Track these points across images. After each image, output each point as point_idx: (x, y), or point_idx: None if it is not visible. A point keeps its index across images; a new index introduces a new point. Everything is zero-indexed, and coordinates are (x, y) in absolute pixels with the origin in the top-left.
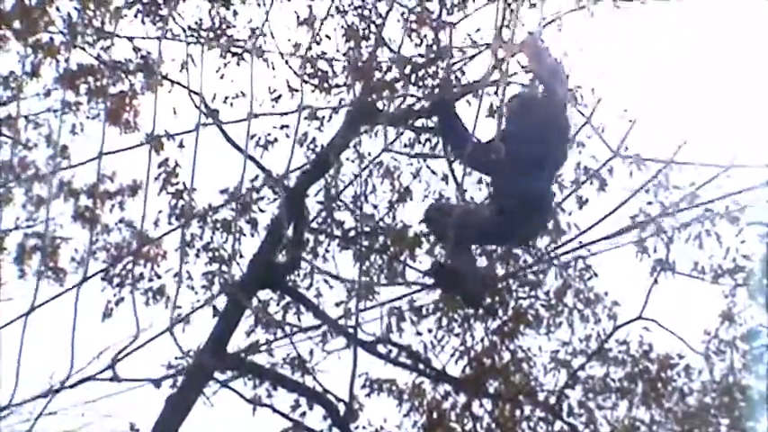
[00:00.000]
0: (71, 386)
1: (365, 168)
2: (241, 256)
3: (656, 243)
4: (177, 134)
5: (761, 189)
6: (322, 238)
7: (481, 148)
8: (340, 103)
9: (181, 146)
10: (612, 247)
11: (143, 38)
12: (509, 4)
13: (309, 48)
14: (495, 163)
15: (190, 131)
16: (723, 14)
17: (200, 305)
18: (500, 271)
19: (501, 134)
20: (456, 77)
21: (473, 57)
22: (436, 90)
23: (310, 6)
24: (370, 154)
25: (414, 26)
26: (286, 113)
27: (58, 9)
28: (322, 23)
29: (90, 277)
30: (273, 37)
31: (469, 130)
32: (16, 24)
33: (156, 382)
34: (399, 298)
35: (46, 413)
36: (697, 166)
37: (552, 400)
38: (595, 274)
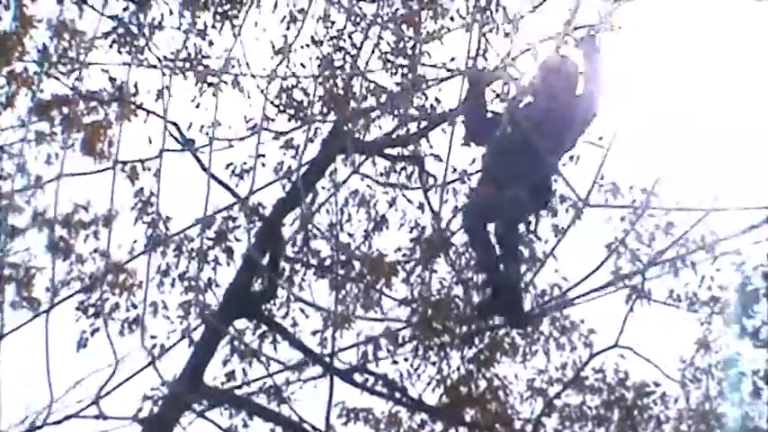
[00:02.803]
0: (55, 422)
1: (336, 191)
2: (217, 285)
3: (631, 271)
4: (144, 160)
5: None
6: (298, 267)
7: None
8: (315, 132)
9: (156, 175)
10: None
11: (120, 64)
12: (483, 34)
13: (282, 77)
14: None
15: (155, 157)
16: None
17: (180, 339)
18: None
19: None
20: (431, 106)
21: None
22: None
23: (285, 36)
24: (348, 185)
25: (389, 57)
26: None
27: (32, 38)
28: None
29: (60, 302)
30: (249, 66)
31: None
32: None
33: (141, 420)
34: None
35: None
36: (674, 210)
37: (529, 428)
38: (571, 302)
